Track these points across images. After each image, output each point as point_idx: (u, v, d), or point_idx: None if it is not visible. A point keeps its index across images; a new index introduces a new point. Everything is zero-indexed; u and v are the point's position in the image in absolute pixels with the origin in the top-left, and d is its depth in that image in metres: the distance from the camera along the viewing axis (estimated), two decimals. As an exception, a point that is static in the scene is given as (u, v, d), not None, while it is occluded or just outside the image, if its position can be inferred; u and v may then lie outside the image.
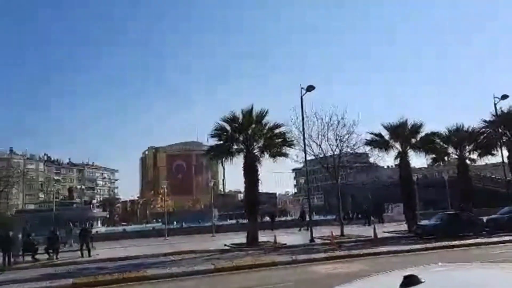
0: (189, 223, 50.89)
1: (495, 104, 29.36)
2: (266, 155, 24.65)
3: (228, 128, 24.28)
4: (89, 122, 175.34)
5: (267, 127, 24.31)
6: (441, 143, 29.49)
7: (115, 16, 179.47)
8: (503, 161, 30.72)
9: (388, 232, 27.95)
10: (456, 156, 29.78)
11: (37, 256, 22.23)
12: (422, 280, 2.41)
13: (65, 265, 19.98)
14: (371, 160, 51.45)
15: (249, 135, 24.01)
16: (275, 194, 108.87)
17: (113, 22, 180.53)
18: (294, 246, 22.89)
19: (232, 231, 35.65)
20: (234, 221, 53.94)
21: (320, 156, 26.47)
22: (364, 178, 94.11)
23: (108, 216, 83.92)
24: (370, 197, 64.17)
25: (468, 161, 30.02)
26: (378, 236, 24.85)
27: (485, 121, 31.06)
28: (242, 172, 24.28)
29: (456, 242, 20.34)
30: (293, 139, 24.90)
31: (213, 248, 23.47)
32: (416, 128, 27.57)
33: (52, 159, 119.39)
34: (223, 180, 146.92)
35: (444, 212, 27.25)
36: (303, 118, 24.54)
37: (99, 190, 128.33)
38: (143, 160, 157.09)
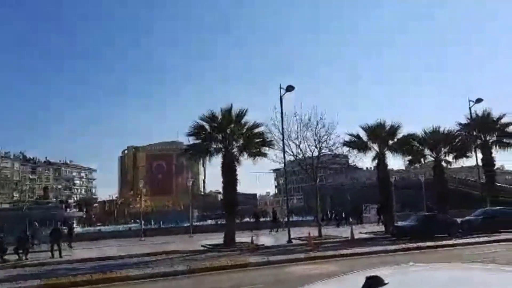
0: (167, 224, 50.32)
1: (469, 108, 29.94)
2: (245, 155, 24.45)
3: (207, 127, 23.97)
4: (68, 120, 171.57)
5: (246, 127, 24.09)
6: (418, 145, 29.82)
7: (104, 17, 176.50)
8: (477, 164, 31.29)
9: (365, 233, 28.13)
10: (432, 158, 30.15)
11: (6, 257, 21.50)
12: (386, 282, 2.27)
13: (35, 266, 19.35)
14: (350, 161, 51.74)
15: (228, 134, 23.76)
16: (255, 194, 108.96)
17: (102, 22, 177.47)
18: (271, 247, 22.75)
19: (211, 232, 35.30)
20: (213, 222, 53.67)
21: (299, 156, 26.42)
22: (343, 179, 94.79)
23: (84, 216, 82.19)
24: (349, 198, 64.79)
25: (444, 163, 30.41)
26: (356, 237, 24.98)
27: (460, 124, 31.65)
28: (221, 171, 24.02)
29: (431, 243, 20.58)
30: (272, 139, 24.79)
31: (190, 248, 23.13)
32: (394, 129, 27.80)
33: (28, 157, 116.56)
34: (204, 180, 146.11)
35: (420, 214, 27.60)
36: (282, 118, 24.50)
37: (76, 190, 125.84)
38: (122, 160, 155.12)
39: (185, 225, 40.90)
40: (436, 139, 29.41)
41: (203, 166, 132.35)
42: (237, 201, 24.52)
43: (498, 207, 28.13)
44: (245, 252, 21.33)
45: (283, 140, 24.36)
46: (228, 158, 23.67)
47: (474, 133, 31.26)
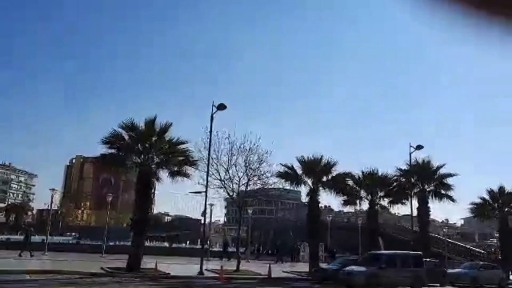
0: (97, 241, 46.97)
1: (410, 154, 29.21)
2: (166, 173, 22.43)
3: (126, 136, 21.79)
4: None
5: (168, 142, 22.10)
6: (354, 185, 28.74)
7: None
8: (411, 212, 30.48)
9: (288, 272, 26.27)
10: (367, 201, 29.09)
11: None
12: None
13: None
14: (303, 198, 50.36)
15: (147, 147, 21.67)
16: (200, 220, 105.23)
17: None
18: (177, 277, 20.42)
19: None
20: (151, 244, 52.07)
21: (226, 182, 24.58)
22: (294, 215, 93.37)
23: (11, 222, 76.56)
24: (292, 234, 63.35)
25: (379, 208, 29.42)
26: (275, 276, 23.11)
27: (400, 169, 30.91)
28: (135, 187, 21.88)
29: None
30: (197, 159, 22.87)
31: (86, 270, 20.39)
32: (330, 166, 26.57)
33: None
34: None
35: (345, 257, 26.19)
36: (210, 138, 22.75)
37: (12, 194, 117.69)
38: (68, 168, 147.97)
39: (111, 243, 37.99)
40: (373, 182, 28.45)
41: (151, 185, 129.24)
42: (148, 220, 22.22)
43: (428, 259, 27.14)
44: (145, 280, 18.99)
45: (208, 160, 22.53)
46: (144, 173, 21.51)
47: (413, 180, 30.49)
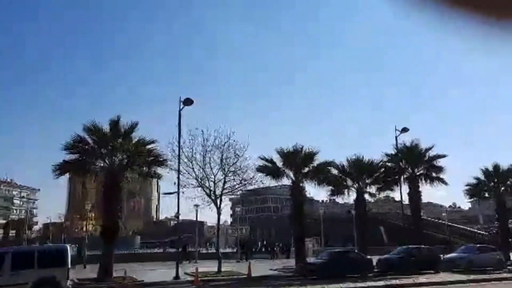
0: (96, 251, 46.45)
1: (396, 137, 27.84)
2: (134, 174, 21.44)
3: (89, 140, 20.77)
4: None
5: (135, 143, 21.04)
6: (339, 174, 27.49)
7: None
8: (401, 197, 29.20)
9: (274, 270, 25.14)
10: (355, 189, 27.82)
11: None
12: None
13: None
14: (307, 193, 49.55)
15: (110, 149, 20.63)
16: (203, 222, 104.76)
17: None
18: (150, 284, 19.39)
19: (134, 261, 32.13)
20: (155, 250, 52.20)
21: (203, 181, 23.49)
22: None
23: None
24: (293, 231, 62.30)
25: (368, 196, 28.24)
26: (259, 275, 22.04)
27: (387, 154, 29.60)
28: (102, 192, 20.85)
29: (335, 286, 17.95)
30: (167, 158, 21.79)
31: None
32: (311, 155, 25.33)
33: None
34: (157, 206, 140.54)
35: (331, 250, 25.10)
36: (179, 135, 21.68)
37: (15, 210, 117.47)
38: (72, 179, 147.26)
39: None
40: (359, 169, 27.18)
41: (157, 191, 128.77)
42: (118, 225, 21.28)
43: (421, 246, 25.97)
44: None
45: (178, 158, 21.43)
46: (110, 176, 20.48)
47: (401, 164, 29.17)
